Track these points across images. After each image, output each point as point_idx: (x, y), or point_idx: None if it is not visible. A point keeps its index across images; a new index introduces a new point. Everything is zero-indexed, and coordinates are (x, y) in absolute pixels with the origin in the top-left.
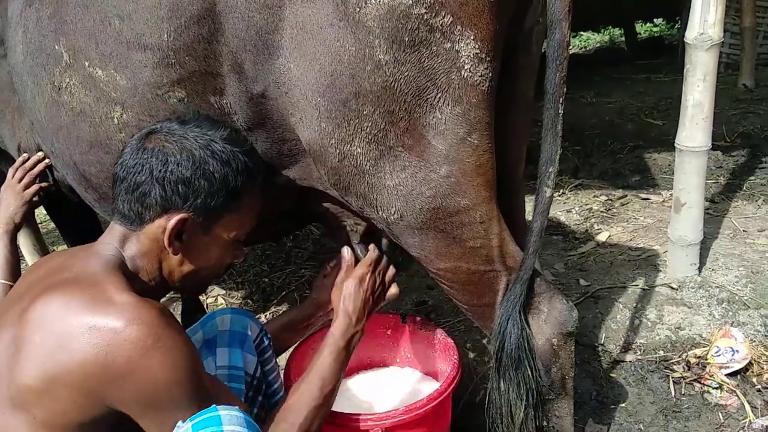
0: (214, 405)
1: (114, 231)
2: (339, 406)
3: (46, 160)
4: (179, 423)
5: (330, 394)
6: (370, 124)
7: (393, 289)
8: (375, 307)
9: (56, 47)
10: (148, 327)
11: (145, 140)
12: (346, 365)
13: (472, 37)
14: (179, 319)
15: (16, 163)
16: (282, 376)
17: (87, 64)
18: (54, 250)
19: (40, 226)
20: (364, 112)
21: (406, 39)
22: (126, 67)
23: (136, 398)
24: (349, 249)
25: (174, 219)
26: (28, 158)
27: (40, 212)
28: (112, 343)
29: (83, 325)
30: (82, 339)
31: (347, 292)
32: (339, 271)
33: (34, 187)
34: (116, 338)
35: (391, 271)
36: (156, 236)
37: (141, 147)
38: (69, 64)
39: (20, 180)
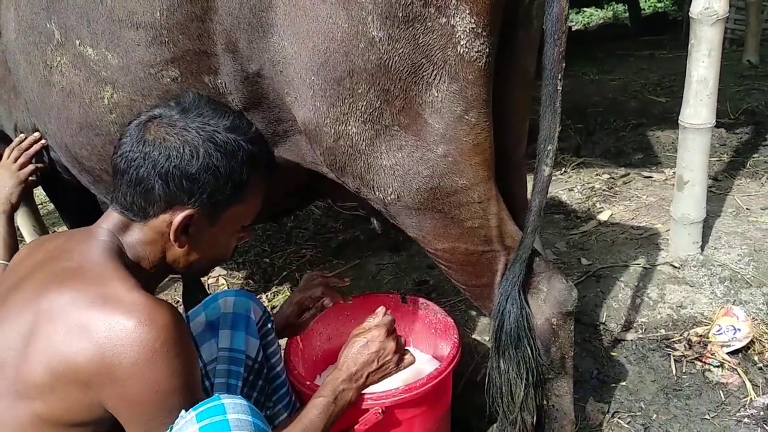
0: (217, 394)
1: (113, 217)
2: None
3: (43, 141)
4: (182, 413)
5: None
6: (365, 103)
7: (409, 357)
8: (379, 371)
9: (48, 25)
10: (158, 329)
11: (145, 130)
12: (335, 418)
13: (467, 12)
14: (180, 299)
15: (13, 144)
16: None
17: (78, 42)
18: (54, 231)
19: (39, 207)
20: (359, 91)
21: (400, 14)
22: (118, 45)
23: (130, 400)
24: (383, 309)
25: (180, 215)
26: (25, 138)
27: (40, 193)
28: (120, 344)
29: (92, 322)
30: (92, 337)
31: (352, 350)
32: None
33: (30, 167)
34: (126, 338)
35: (401, 345)
36: (161, 229)
37: (141, 138)
38: (60, 42)
39: (16, 160)
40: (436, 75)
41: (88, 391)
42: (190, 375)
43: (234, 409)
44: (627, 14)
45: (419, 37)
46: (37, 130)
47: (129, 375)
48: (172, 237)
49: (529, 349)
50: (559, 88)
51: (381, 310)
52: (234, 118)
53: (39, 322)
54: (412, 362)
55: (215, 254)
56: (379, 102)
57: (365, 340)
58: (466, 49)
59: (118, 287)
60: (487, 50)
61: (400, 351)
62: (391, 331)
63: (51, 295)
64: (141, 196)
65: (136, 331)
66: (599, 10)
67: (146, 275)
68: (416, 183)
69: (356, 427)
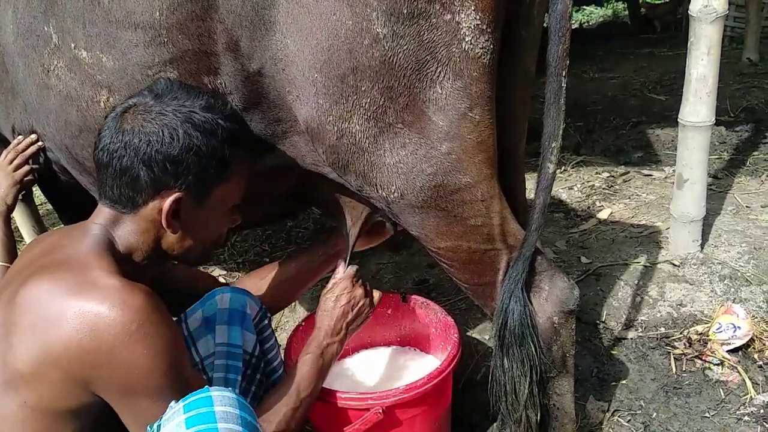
0: (206, 386)
1: (103, 213)
2: (340, 385)
3: (39, 143)
4: (171, 403)
5: (307, 398)
6: (368, 101)
7: (377, 295)
8: (357, 319)
9: (45, 28)
10: (132, 312)
11: (122, 120)
12: (325, 372)
13: (472, 8)
14: None
15: (10, 146)
16: (282, 354)
17: (73, 45)
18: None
19: (38, 207)
20: (363, 88)
21: (405, 11)
22: (114, 47)
23: (117, 384)
24: (342, 264)
25: (169, 200)
26: (23, 140)
27: (39, 193)
28: (96, 328)
29: (69, 309)
30: (68, 323)
31: (324, 307)
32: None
33: (26, 168)
34: (100, 322)
35: (369, 287)
36: (152, 217)
37: (120, 129)
38: (57, 45)
39: (11, 161)
40: (440, 72)
41: (73, 378)
42: (173, 355)
43: (221, 401)
44: (626, 12)
45: (424, 33)
46: (34, 132)
47: (109, 359)
48: (164, 222)
49: (532, 346)
50: (563, 85)
51: (341, 264)
52: (208, 98)
53: (20, 312)
54: (380, 298)
55: (209, 237)
56: (382, 99)
57: (334, 296)
58: (471, 46)
59: (96, 274)
60: (492, 47)
61: (370, 294)
62: (355, 280)
63: (32, 285)
64: (127, 186)
65: (110, 315)
66: (599, 8)
67: (137, 267)
68: (420, 181)
69: (357, 426)
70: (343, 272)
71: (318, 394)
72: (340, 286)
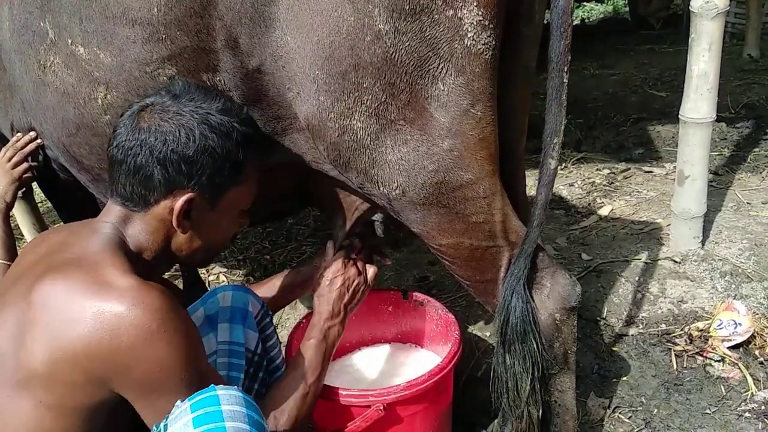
0: (212, 385)
1: (113, 211)
2: (341, 382)
3: (38, 140)
4: (178, 402)
5: (314, 383)
6: (370, 97)
7: (372, 270)
8: (354, 299)
9: (42, 24)
10: (151, 311)
11: (139, 118)
12: (329, 355)
13: (475, 4)
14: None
15: (9, 143)
16: (283, 352)
17: (69, 41)
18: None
19: (39, 204)
20: (364, 85)
21: (407, 7)
22: (111, 43)
23: (139, 382)
24: (331, 244)
25: (181, 199)
26: (21, 137)
27: (40, 191)
28: (116, 328)
29: (87, 309)
30: (86, 324)
31: (320, 292)
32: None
33: (24, 166)
34: (120, 323)
35: (361, 265)
36: (163, 216)
37: (136, 126)
38: (54, 41)
39: (10, 159)
40: (442, 68)
41: (93, 377)
42: (193, 350)
43: (228, 400)
44: (627, 8)
45: (426, 29)
46: (33, 129)
47: (131, 359)
48: (174, 222)
49: (534, 343)
50: (565, 80)
51: (329, 248)
52: (225, 101)
53: (36, 312)
54: (377, 271)
55: (217, 240)
56: (384, 96)
57: (328, 279)
58: (473, 42)
59: (111, 273)
60: (494, 43)
61: (364, 272)
62: (346, 261)
63: (46, 285)
64: (140, 184)
65: (130, 315)
66: (599, 4)
67: (148, 266)
68: (421, 178)
69: (358, 424)
70: (332, 254)
71: (324, 378)
72: (333, 269)
